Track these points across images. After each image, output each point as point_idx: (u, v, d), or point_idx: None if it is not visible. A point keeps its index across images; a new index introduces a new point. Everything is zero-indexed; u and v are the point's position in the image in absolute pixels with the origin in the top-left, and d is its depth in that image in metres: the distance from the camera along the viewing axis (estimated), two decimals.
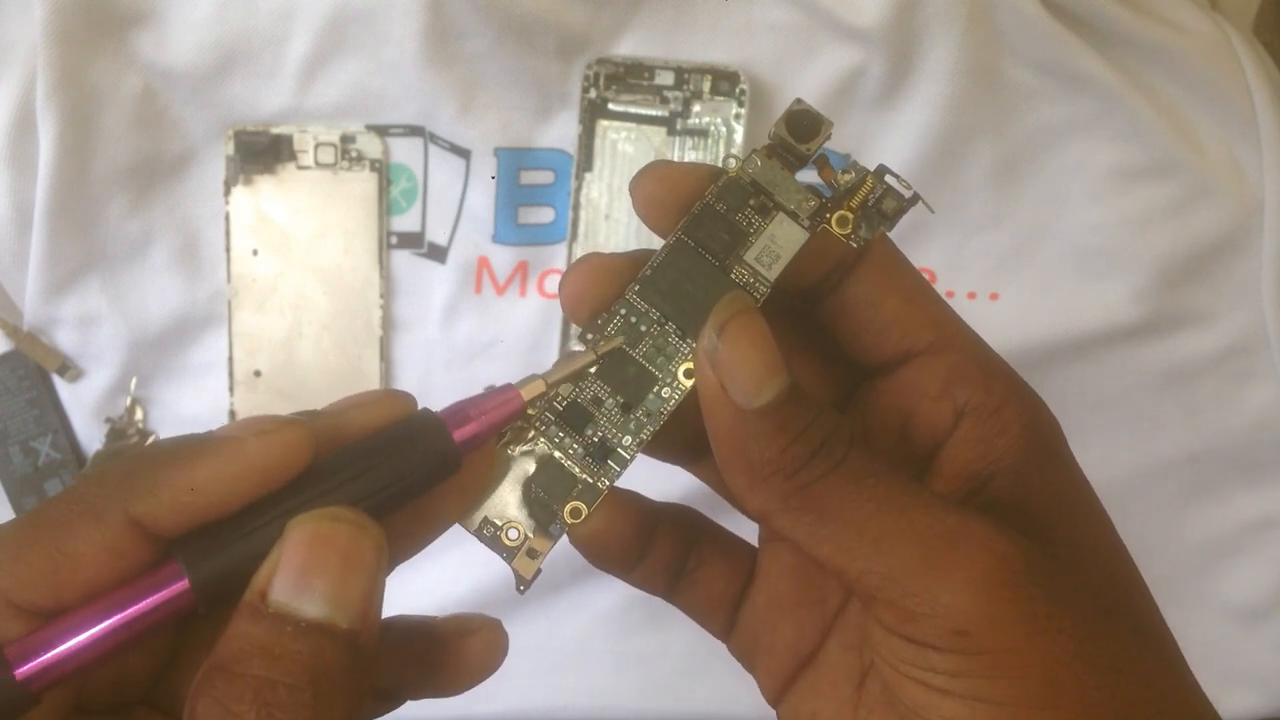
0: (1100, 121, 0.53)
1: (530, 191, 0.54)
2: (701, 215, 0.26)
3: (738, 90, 0.52)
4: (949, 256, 0.54)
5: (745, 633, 0.30)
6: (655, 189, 0.27)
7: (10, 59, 0.52)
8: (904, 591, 0.23)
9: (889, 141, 0.52)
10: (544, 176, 0.54)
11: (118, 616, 0.23)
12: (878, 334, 0.27)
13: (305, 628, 0.22)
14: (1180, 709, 0.24)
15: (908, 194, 0.26)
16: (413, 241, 0.55)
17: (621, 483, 0.28)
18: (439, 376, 0.55)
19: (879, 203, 0.26)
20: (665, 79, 0.53)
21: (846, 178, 0.26)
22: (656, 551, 0.29)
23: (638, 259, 0.27)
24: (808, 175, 0.27)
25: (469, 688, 0.28)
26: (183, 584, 0.23)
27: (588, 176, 0.54)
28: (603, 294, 0.27)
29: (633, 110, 0.53)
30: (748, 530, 0.30)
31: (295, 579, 0.22)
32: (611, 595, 0.56)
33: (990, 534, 0.24)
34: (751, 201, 0.26)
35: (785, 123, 0.26)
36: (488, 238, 0.54)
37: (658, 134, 0.53)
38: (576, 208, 0.54)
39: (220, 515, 0.23)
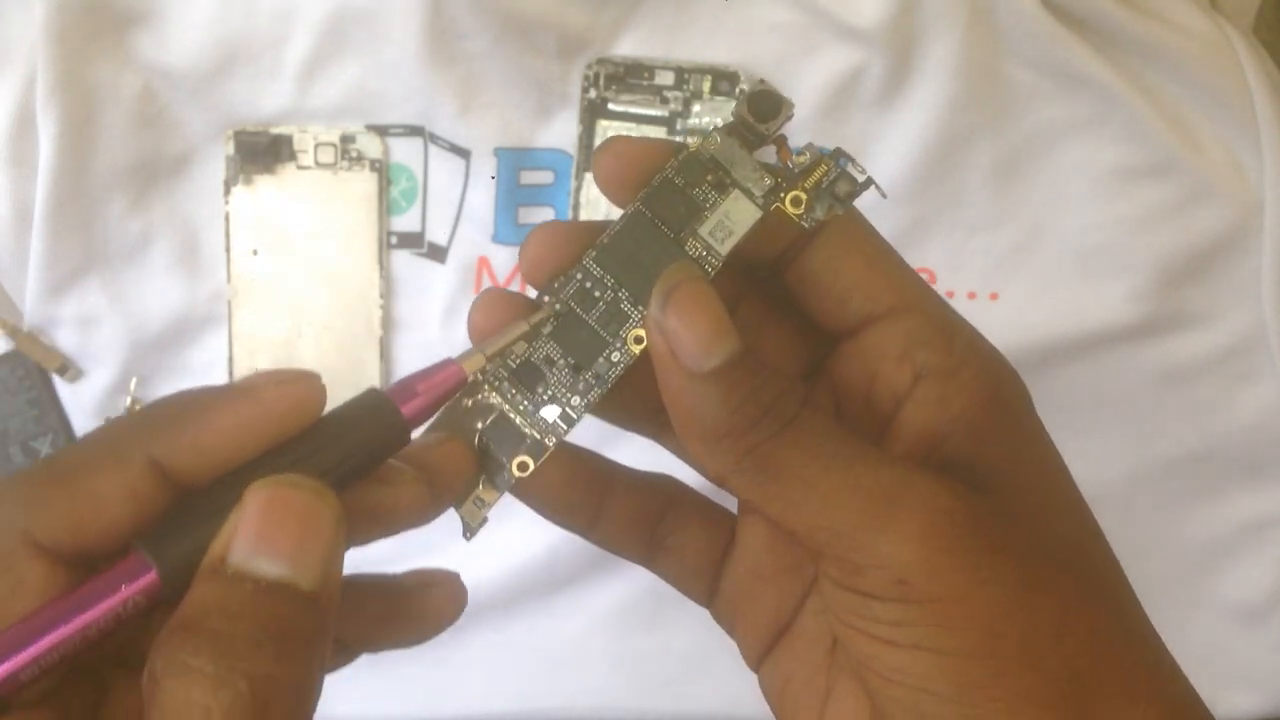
0: (1100, 121, 0.53)
1: (530, 191, 0.54)
2: (660, 188, 0.27)
3: (738, 90, 0.52)
4: (949, 256, 0.54)
5: (726, 600, 0.31)
6: (615, 164, 0.27)
7: (10, 59, 0.52)
8: (849, 545, 0.24)
9: (889, 141, 0.52)
10: (544, 176, 0.54)
11: (86, 615, 0.23)
12: (839, 299, 0.27)
13: (264, 586, 0.22)
14: (1129, 664, 0.24)
15: (861, 178, 0.27)
16: (413, 241, 0.55)
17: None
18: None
19: (833, 185, 0.27)
20: (665, 79, 0.53)
21: (802, 159, 0.27)
22: (615, 510, 0.30)
23: (596, 228, 0.28)
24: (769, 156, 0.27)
25: (429, 638, 0.28)
26: (150, 575, 0.23)
27: (588, 176, 0.54)
28: (561, 259, 0.28)
29: (633, 110, 0.53)
30: (730, 502, 0.31)
31: (254, 541, 0.22)
32: (611, 595, 0.56)
33: (933, 488, 0.24)
34: (709, 177, 0.27)
35: (746, 102, 0.27)
36: (488, 238, 0.54)
37: (658, 134, 0.53)
38: (576, 208, 0.54)
39: (236, 461, 0.24)
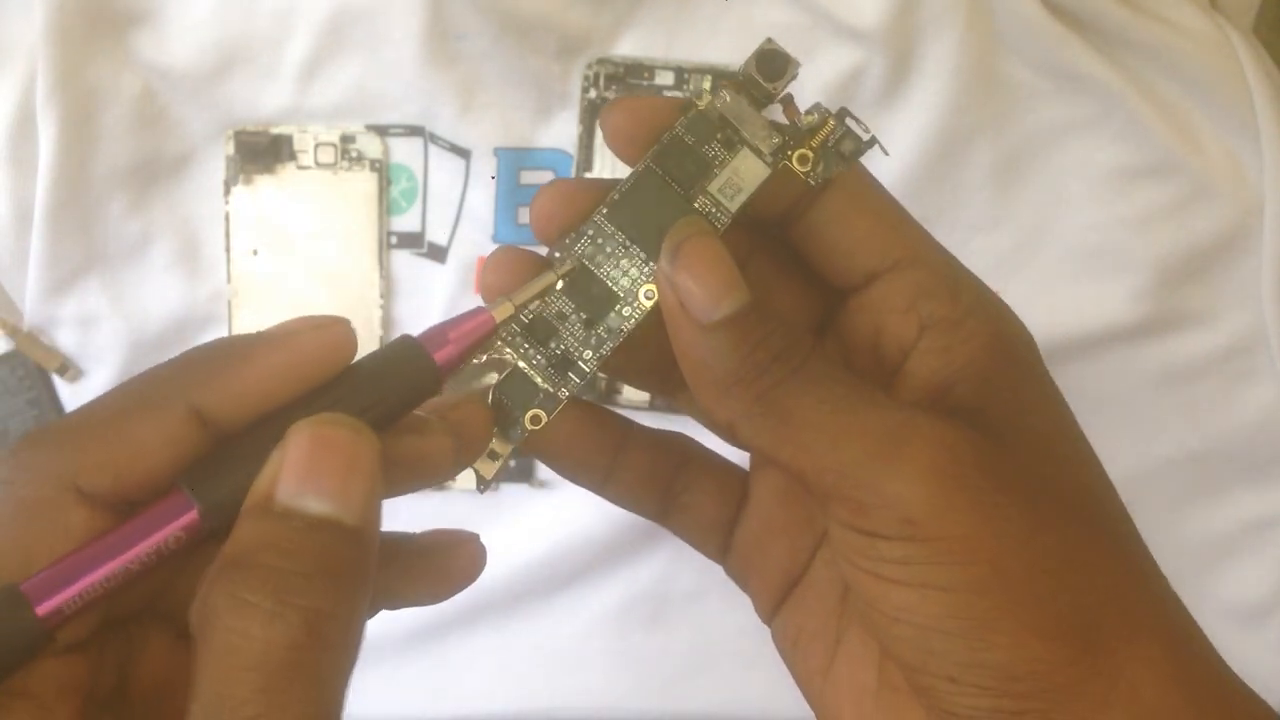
0: (1100, 121, 0.53)
1: (530, 191, 0.54)
2: (670, 145, 0.27)
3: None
4: None
5: (739, 556, 0.31)
6: (624, 122, 0.28)
7: (10, 59, 0.52)
8: (855, 484, 0.24)
9: (889, 141, 0.52)
10: (544, 176, 0.54)
11: (130, 551, 0.23)
12: (847, 254, 0.28)
13: (313, 523, 0.22)
14: (1132, 600, 0.25)
15: (866, 137, 0.27)
16: (413, 241, 0.55)
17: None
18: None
19: (838, 144, 0.27)
20: (665, 79, 0.53)
21: (810, 118, 0.27)
22: (629, 466, 0.30)
23: (605, 185, 0.28)
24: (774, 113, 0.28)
25: (447, 597, 0.29)
26: (191, 513, 0.24)
27: (588, 176, 0.54)
28: (571, 215, 0.28)
29: None
30: (741, 458, 0.31)
31: (300, 479, 0.23)
32: (611, 595, 0.56)
33: (939, 428, 0.24)
34: (718, 135, 0.28)
35: (755, 61, 0.27)
36: (488, 237, 0.54)
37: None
38: None
39: (273, 406, 0.24)
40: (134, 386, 0.25)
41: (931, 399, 0.26)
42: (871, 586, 0.24)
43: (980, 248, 0.54)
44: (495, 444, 0.28)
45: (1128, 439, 0.55)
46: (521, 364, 0.28)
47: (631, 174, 0.28)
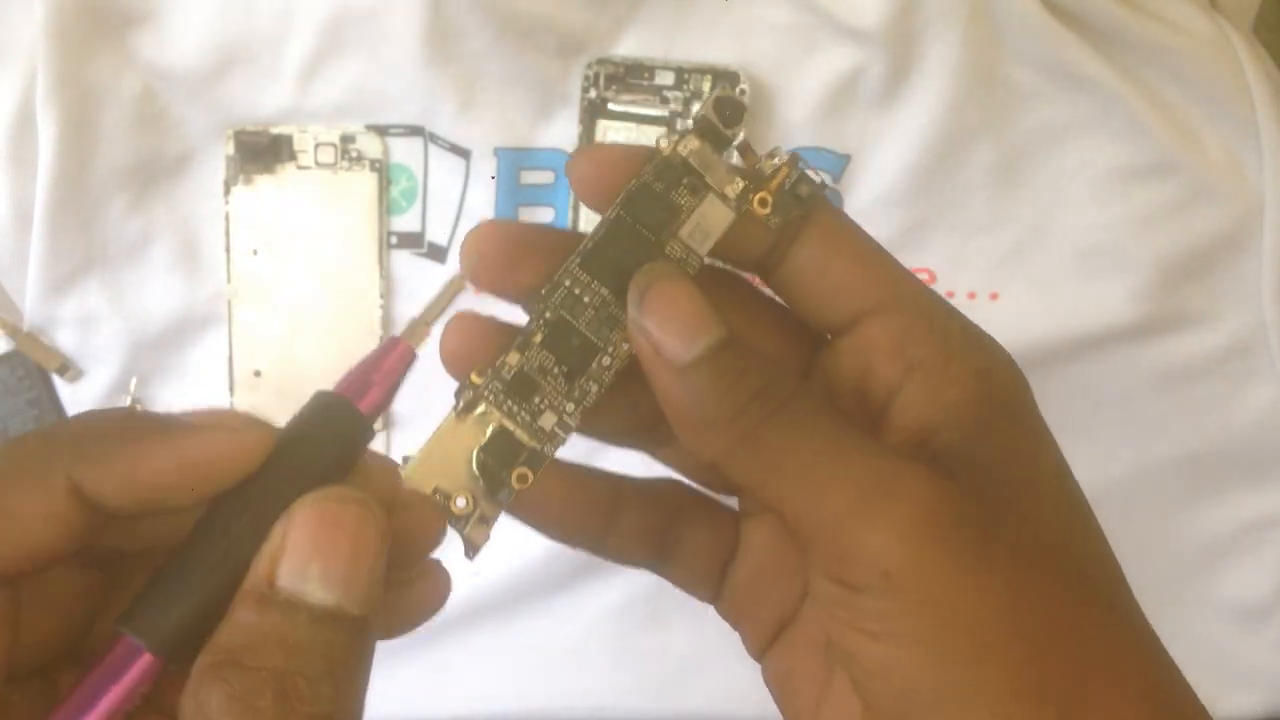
0: (1100, 121, 0.53)
1: (530, 191, 0.54)
2: (638, 192, 0.27)
3: (737, 90, 0.52)
4: (949, 256, 0.54)
5: (732, 599, 0.31)
6: (590, 170, 0.27)
7: (10, 59, 0.52)
8: (836, 534, 0.24)
9: (889, 141, 0.52)
10: (544, 176, 0.54)
11: (96, 711, 0.22)
12: (827, 297, 0.27)
13: (318, 615, 0.21)
14: (1118, 661, 0.24)
15: (818, 180, 0.28)
16: (413, 241, 0.55)
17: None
18: (438, 377, 0.55)
19: (795, 187, 0.28)
20: (665, 79, 0.53)
21: (769, 162, 0.28)
22: (625, 524, 0.30)
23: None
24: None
25: (413, 629, 0.28)
26: (145, 657, 0.22)
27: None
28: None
29: (633, 110, 0.53)
30: (731, 500, 0.31)
31: (304, 562, 0.22)
32: (611, 595, 0.56)
33: (923, 480, 0.24)
34: (685, 181, 0.28)
35: (714, 107, 0.28)
36: None
37: (657, 133, 0.53)
38: (576, 208, 0.54)
39: (163, 504, 0.23)
40: (9, 455, 0.23)
41: (918, 442, 0.26)
42: (849, 640, 0.24)
43: (980, 248, 0.54)
44: (484, 507, 0.27)
45: (1128, 439, 0.55)
46: (506, 423, 0.27)
47: (602, 221, 0.27)
